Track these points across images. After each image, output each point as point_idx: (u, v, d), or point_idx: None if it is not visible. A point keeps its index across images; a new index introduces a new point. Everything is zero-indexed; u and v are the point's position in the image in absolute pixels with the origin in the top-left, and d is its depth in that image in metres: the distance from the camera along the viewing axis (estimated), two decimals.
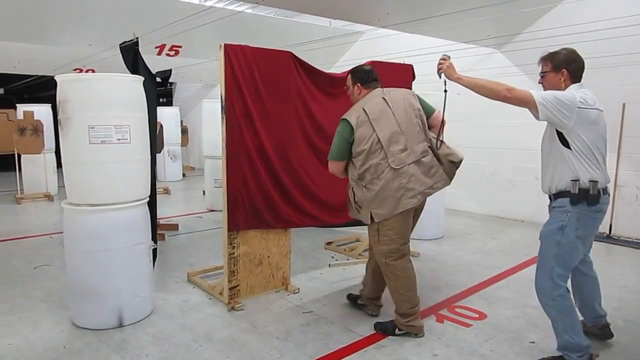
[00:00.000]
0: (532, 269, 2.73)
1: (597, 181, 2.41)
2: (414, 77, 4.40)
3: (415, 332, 2.97)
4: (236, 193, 3.39)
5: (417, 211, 3.04)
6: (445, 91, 2.77)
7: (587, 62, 2.57)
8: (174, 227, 5.91)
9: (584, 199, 2.41)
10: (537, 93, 2.38)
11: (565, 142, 2.42)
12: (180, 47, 6.58)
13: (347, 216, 4.04)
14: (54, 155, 8.47)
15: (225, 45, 3.25)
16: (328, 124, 3.65)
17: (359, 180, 2.91)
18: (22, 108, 8.08)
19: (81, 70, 9.76)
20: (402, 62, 4.40)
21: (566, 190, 2.45)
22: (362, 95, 3.03)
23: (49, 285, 3.91)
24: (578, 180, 2.41)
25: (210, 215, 6.87)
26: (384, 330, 3.02)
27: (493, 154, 6.64)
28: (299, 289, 3.76)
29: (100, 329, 3.07)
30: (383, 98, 2.94)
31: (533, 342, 2.92)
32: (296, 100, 3.62)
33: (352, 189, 3.01)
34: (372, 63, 3.50)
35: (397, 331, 2.98)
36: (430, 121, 3.04)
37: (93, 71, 8.77)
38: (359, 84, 3.06)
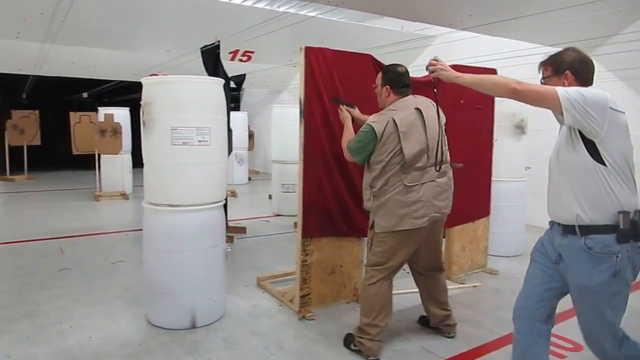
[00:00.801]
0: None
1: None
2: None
3: (365, 353, 2.76)
4: (311, 199, 3.32)
5: (431, 236, 2.84)
6: (436, 94, 2.59)
7: None
8: (242, 229, 5.95)
9: (633, 236, 1.82)
10: (563, 88, 1.87)
11: (597, 156, 1.83)
12: (252, 52, 6.67)
13: None
14: (130, 155, 8.88)
15: (306, 48, 3.19)
16: None
17: (370, 187, 2.79)
18: (103, 111, 8.53)
19: (157, 75, 10.22)
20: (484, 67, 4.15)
21: (610, 224, 1.83)
22: (391, 101, 2.78)
23: (125, 281, 4.02)
24: (627, 212, 1.82)
25: (277, 219, 6.88)
26: (345, 341, 2.93)
27: None
28: None
29: (173, 329, 3.09)
30: (417, 109, 2.70)
31: None
32: (375, 104, 3.49)
33: (365, 190, 2.88)
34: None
35: (352, 346, 2.85)
36: None
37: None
38: (388, 87, 2.79)
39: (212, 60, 3.43)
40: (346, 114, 3.10)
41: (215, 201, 3.18)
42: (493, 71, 4.09)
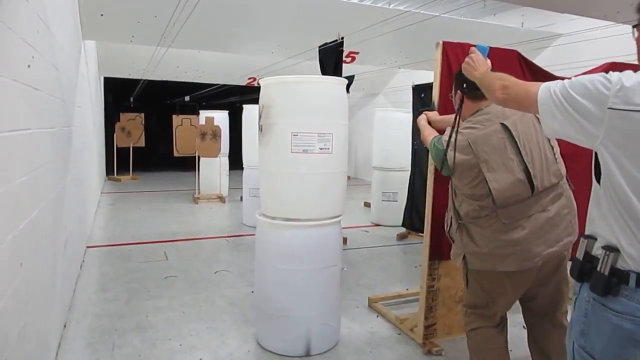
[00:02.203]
0: None
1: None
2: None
3: None
4: (442, 216, 2.86)
5: (550, 275, 2.13)
6: (464, 90, 2.08)
7: None
8: (344, 241, 5.61)
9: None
10: (551, 84, 1.29)
11: (597, 173, 1.29)
12: (357, 53, 6.33)
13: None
14: (227, 159, 8.96)
15: (444, 43, 2.76)
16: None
17: (455, 212, 2.18)
18: (204, 114, 8.67)
19: (254, 79, 10.29)
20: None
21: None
22: (469, 110, 2.14)
23: (230, 294, 3.83)
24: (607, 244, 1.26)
25: (377, 230, 6.47)
26: None
27: None
28: None
29: (286, 355, 2.80)
30: (503, 125, 2.03)
31: None
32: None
33: (449, 213, 2.28)
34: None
35: None
36: None
37: None
38: (460, 92, 2.15)
39: (333, 59, 3.12)
40: (422, 115, 2.62)
41: (335, 215, 2.84)
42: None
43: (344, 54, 6.21)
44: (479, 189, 2.02)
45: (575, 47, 6.50)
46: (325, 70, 3.14)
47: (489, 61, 1.89)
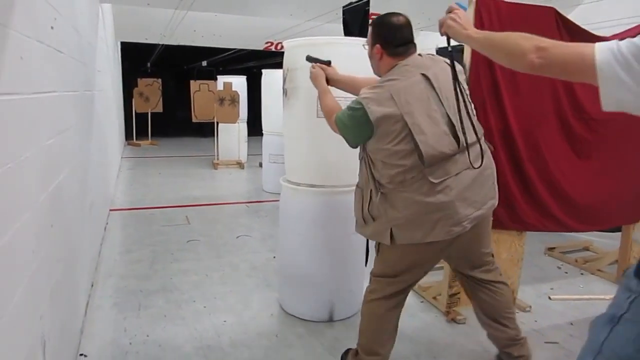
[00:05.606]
0: None
1: None
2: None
3: None
4: None
5: (474, 238, 2.06)
6: (451, 52, 1.74)
7: None
8: None
9: None
10: (611, 45, 1.06)
11: None
12: (377, 14, 6.12)
13: (600, 223, 3.21)
14: (246, 125, 8.92)
15: (478, 0, 2.62)
16: (590, 101, 2.82)
17: (374, 183, 1.97)
18: (222, 79, 8.58)
19: (272, 44, 10.11)
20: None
21: None
22: (387, 66, 1.99)
23: (252, 259, 3.86)
24: None
25: None
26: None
27: None
28: (530, 306, 3.06)
29: (309, 320, 2.82)
30: (424, 75, 1.89)
31: None
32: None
33: (362, 191, 2.07)
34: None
35: None
36: None
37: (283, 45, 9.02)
38: (379, 46, 1.98)
39: (358, 20, 3.00)
40: (318, 71, 2.36)
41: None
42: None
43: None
44: (404, 145, 1.84)
45: (598, 7, 6.19)
46: (349, 31, 3.03)
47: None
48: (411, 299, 3.17)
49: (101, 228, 4.25)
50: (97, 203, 3.74)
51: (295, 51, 2.68)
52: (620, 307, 1.12)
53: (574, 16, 6.54)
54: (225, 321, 2.80)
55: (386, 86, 1.89)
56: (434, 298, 3.12)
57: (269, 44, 10.05)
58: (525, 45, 1.21)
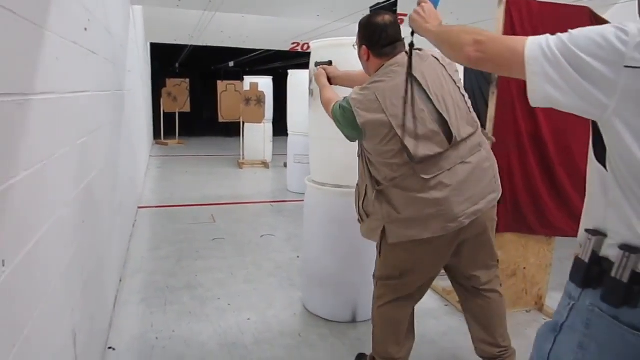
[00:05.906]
0: None
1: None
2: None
3: None
4: None
5: (476, 237, 1.97)
6: (412, 45, 1.74)
7: None
8: None
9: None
10: (541, 40, 1.01)
11: (599, 152, 1.04)
12: (405, 15, 6.08)
13: None
14: (271, 125, 8.98)
15: (508, 0, 2.58)
16: None
17: (372, 181, 1.97)
18: (248, 80, 8.66)
19: (298, 44, 10.16)
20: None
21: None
22: (374, 67, 1.97)
23: (276, 258, 3.89)
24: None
25: None
26: None
27: None
28: None
29: (332, 321, 2.82)
30: (410, 75, 1.83)
31: None
32: None
33: (359, 188, 2.07)
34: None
35: None
36: None
37: (309, 46, 9.07)
38: (365, 47, 1.98)
39: None
40: (319, 71, 2.41)
41: None
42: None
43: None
44: (392, 145, 1.83)
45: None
46: None
47: (439, 14, 1.63)
48: (435, 302, 3.16)
49: (130, 225, 4.35)
50: (126, 200, 3.83)
51: (321, 52, 2.68)
52: (561, 315, 1.09)
53: (610, 16, 6.39)
54: (248, 319, 2.83)
55: (372, 88, 1.88)
56: (459, 302, 3.07)
57: (295, 45, 10.10)
58: (464, 39, 1.17)
